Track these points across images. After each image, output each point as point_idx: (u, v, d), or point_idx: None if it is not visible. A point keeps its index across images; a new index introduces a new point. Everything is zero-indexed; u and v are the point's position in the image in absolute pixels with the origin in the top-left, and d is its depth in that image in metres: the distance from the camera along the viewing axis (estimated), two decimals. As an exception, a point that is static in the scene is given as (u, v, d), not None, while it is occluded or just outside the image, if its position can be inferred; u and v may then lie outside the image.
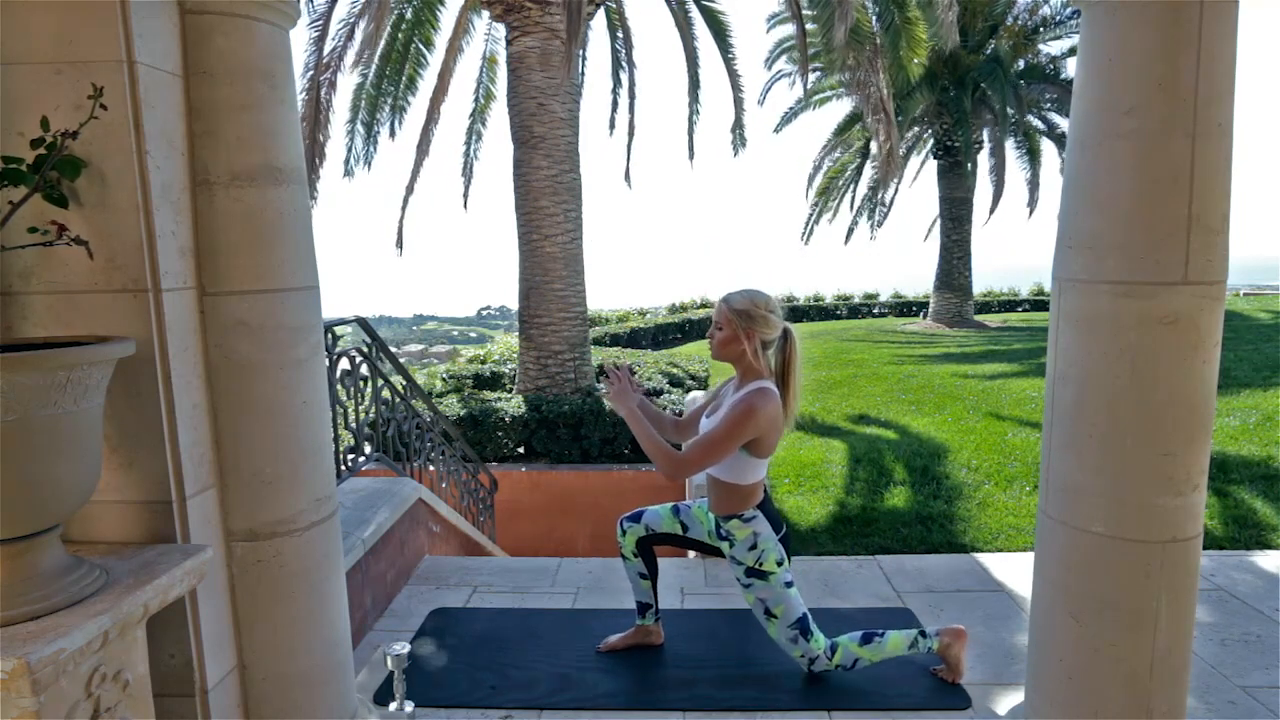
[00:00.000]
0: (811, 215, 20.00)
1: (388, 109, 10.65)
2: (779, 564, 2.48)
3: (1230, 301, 17.31)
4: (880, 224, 19.80)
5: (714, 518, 2.58)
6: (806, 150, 20.62)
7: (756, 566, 2.47)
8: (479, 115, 11.59)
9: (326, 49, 8.58)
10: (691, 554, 4.19)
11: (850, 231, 20.28)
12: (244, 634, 1.98)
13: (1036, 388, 8.57)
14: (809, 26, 8.69)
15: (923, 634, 2.57)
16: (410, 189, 9.71)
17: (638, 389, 2.54)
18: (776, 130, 18.58)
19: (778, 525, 2.52)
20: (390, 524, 3.42)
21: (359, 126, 10.69)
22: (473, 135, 11.61)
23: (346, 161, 10.84)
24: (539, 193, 8.24)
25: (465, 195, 12.01)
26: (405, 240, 10.75)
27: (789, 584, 2.50)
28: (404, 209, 10.18)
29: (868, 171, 18.33)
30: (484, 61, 11.34)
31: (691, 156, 12.39)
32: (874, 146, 9.99)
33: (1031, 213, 18.34)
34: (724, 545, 2.56)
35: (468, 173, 11.86)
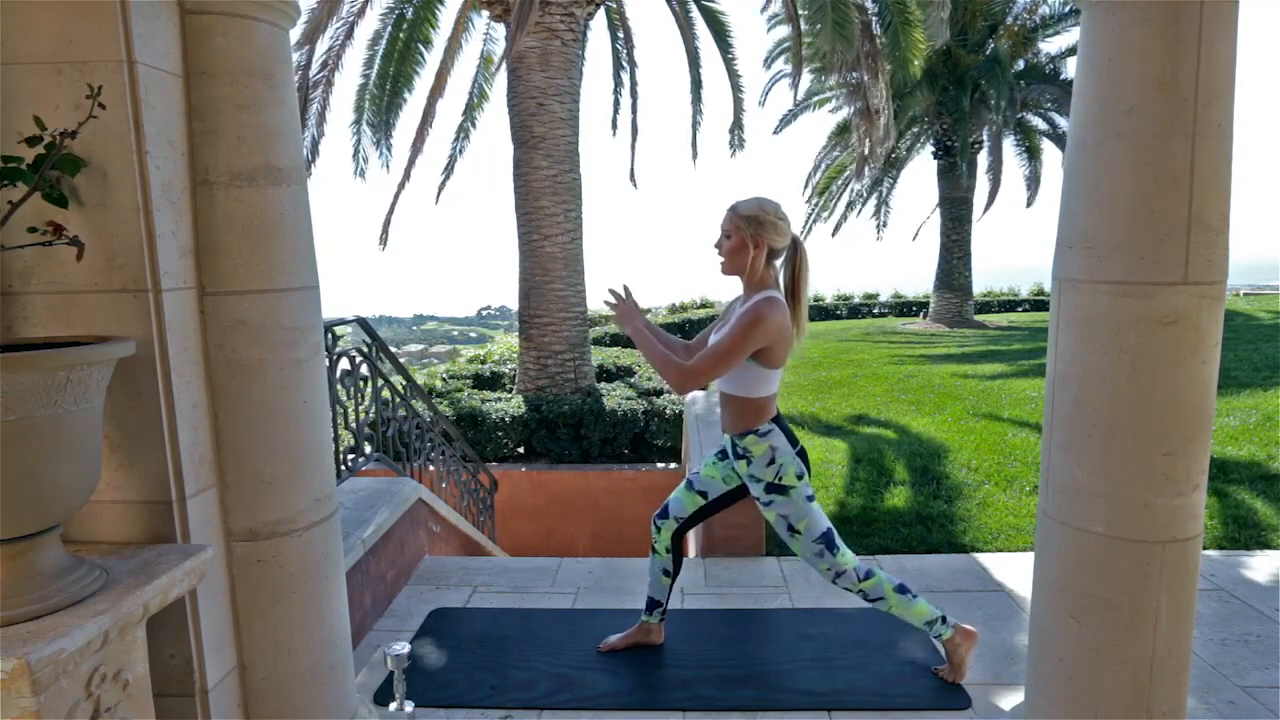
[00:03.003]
0: (810, 215, 20.02)
1: (387, 108, 10.65)
2: (799, 477, 2.44)
3: (1230, 301, 17.31)
4: (885, 224, 19.81)
5: (729, 439, 2.53)
6: (808, 151, 20.64)
7: (776, 481, 2.43)
8: (469, 114, 11.53)
9: (325, 47, 8.58)
10: (692, 553, 4.19)
11: (838, 227, 20.28)
12: (244, 634, 1.98)
13: (1036, 388, 8.57)
14: (804, 27, 8.69)
15: (943, 619, 2.56)
16: (401, 186, 9.68)
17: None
18: (776, 132, 18.59)
19: (793, 440, 2.47)
20: (390, 524, 3.42)
21: (364, 127, 10.69)
22: (460, 133, 11.53)
23: (356, 158, 10.82)
24: (539, 193, 8.24)
25: (440, 189, 11.80)
26: (398, 238, 10.69)
27: (810, 498, 2.46)
28: (393, 206, 10.13)
29: (867, 171, 18.34)
30: (481, 61, 11.33)
31: (695, 157, 12.38)
32: (864, 147, 9.99)
33: (1028, 204, 18.35)
34: (741, 465, 2.51)
35: (449, 169, 11.73)
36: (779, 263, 2.44)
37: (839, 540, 2.49)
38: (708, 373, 2.31)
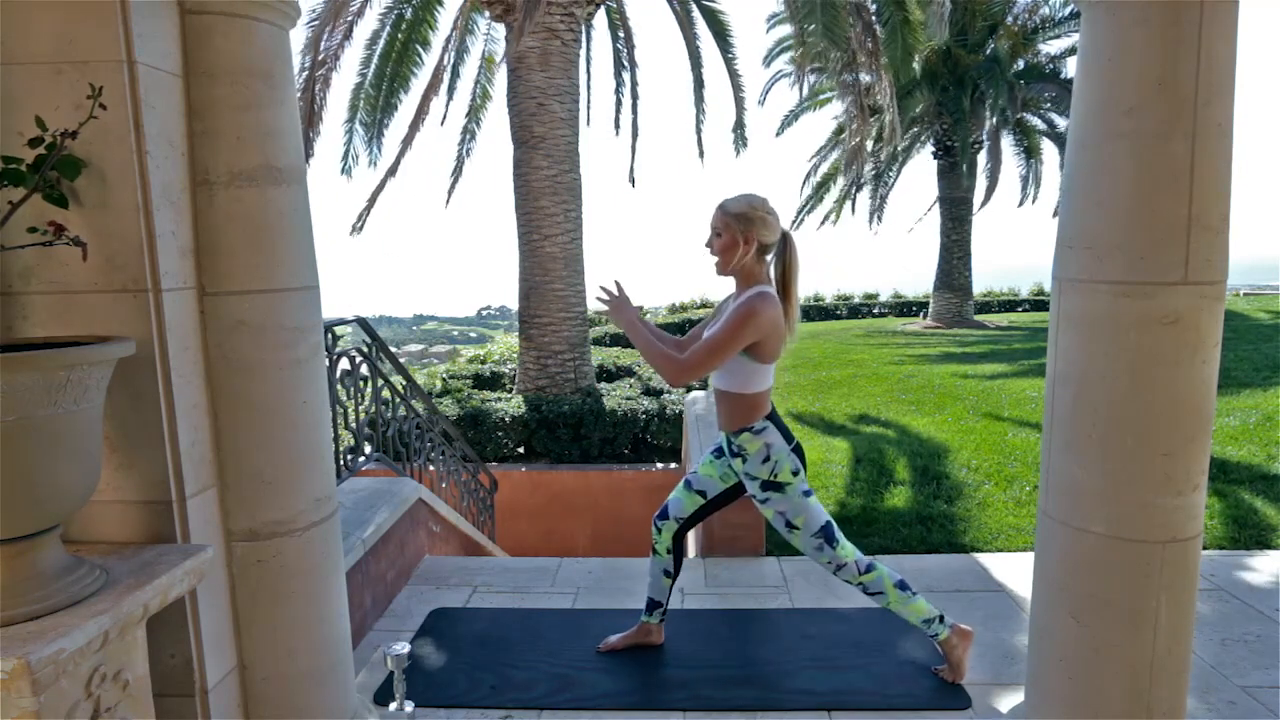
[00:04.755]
0: (803, 208, 20.04)
1: (386, 108, 10.65)
2: (794, 474, 2.44)
3: (1230, 301, 17.30)
4: (881, 221, 19.81)
5: (724, 436, 2.54)
6: (808, 151, 20.64)
7: (772, 479, 2.43)
8: (473, 115, 11.56)
9: (322, 46, 8.57)
10: (692, 553, 4.19)
11: (826, 217, 20.27)
12: (244, 634, 1.98)
13: (1036, 388, 8.57)
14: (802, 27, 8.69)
15: (940, 619, 2.56)
16: (383, 184, 9.66)
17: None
18: (779, 134, 18.60)
19: (788, 437, 2.48)
20: (390, 524, 3.42)
21: (358, 126, 10.69)
22: (466, 134, 11.57)
23: (344, 158, 10.82)
24: (539, 193, 8.24)
25: (450, 192, 11.89)
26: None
27: (807, 493, 2.46)
28: (373, 199, 10.10)
29: (867, 169, 18.35)
30: (482, 61, 11.33)
31: (701, 156, 12.39)
32: (857, 145, 10.00)
33: (1025, 203, 18.34)
34: (737, 462, 2.51)
35: (458, 171, 11.79)
36: (770, 257, 2.44)
37: (838, 533, 2.49)
38: (700, 366, 2.32)
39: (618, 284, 2.55)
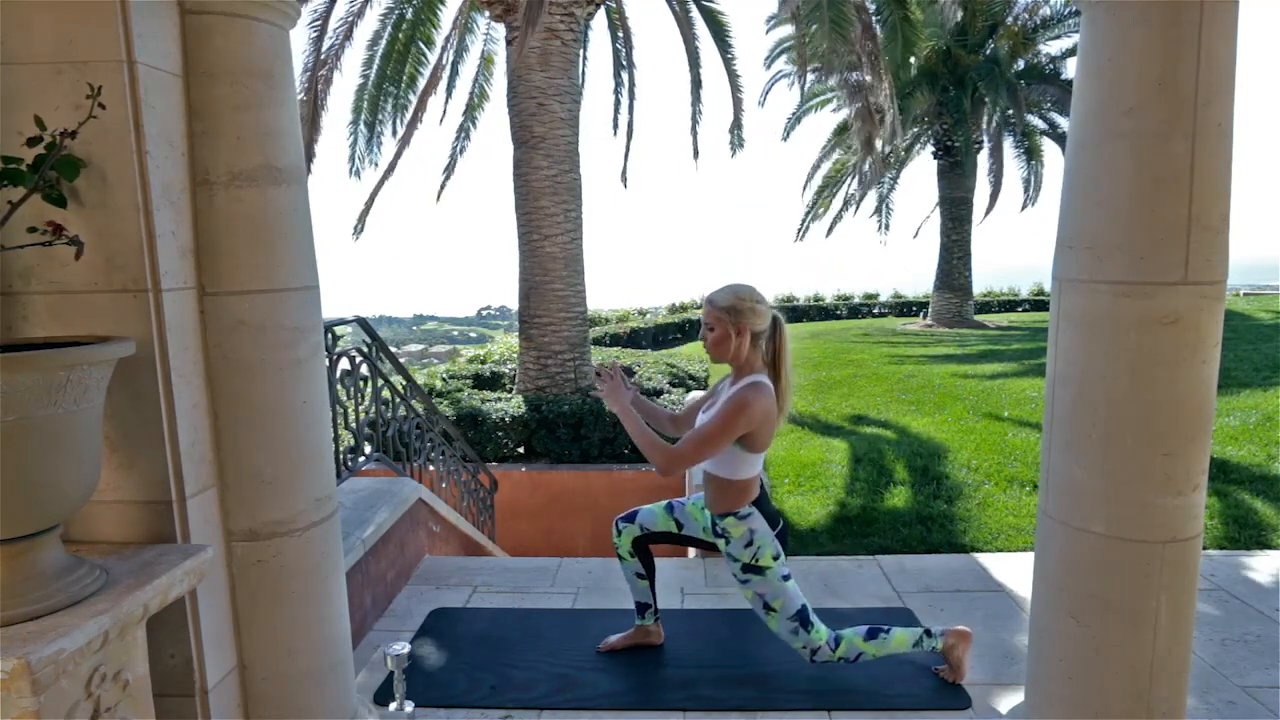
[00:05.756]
0: (808, 214, 20.03)
1: (389, 108, 10.65)
2: (775, 558, 2.48)
3: (1230, 301, 17.31)
4: (887, 227, 19.81)
5: (709, 515, 2.58)
6: (808, 150, 20.66)
7: (753, 563, 2.47)
8: (469, 114, 11.52)
9: (324, 46, 8.57)
10: (692, 553, 4.19)
11: (832, 226, 20.29)
12: (244, 634, 1.98)
13: (1036, 388, 8.57)
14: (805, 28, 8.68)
15: (928, 633, 2.57)
16: (383, 181, 9.62)
17: (631, 388, 2.55)
18: (784, 138, 18.60)
19: (774, 520, 2.51)
20: (390, 524, 3.42)
21: (361, 127, 10.69)
22: (461, 133, 11.53)
23: (353, 158, 10.82)
24: (539, 193, 8.24)
25: (441, 189, 11.75)
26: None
27: (786, 577, 2.49)
28: (372, 199, 10.04)
29: (867, 170, 18.35)
30: (481, 61, 11.32)
31: (696, 156, 12.38)
32: (863, 146, 9.98)
33: (1026, 206, 18.34)
34: (720, 542, 2.56)
35: (450, 169, 11.71)
36: (761, 340, 2.47)
37: (813, 616, 2.52)
38: (691, 458, 2.35)
39: (618, 367, 2.58)
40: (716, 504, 2.52)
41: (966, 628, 2.64)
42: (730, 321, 2.40)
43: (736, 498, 2.48)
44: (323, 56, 8.59)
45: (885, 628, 2.56)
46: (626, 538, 2.78)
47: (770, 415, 2.37)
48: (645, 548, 2.80)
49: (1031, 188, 18.24)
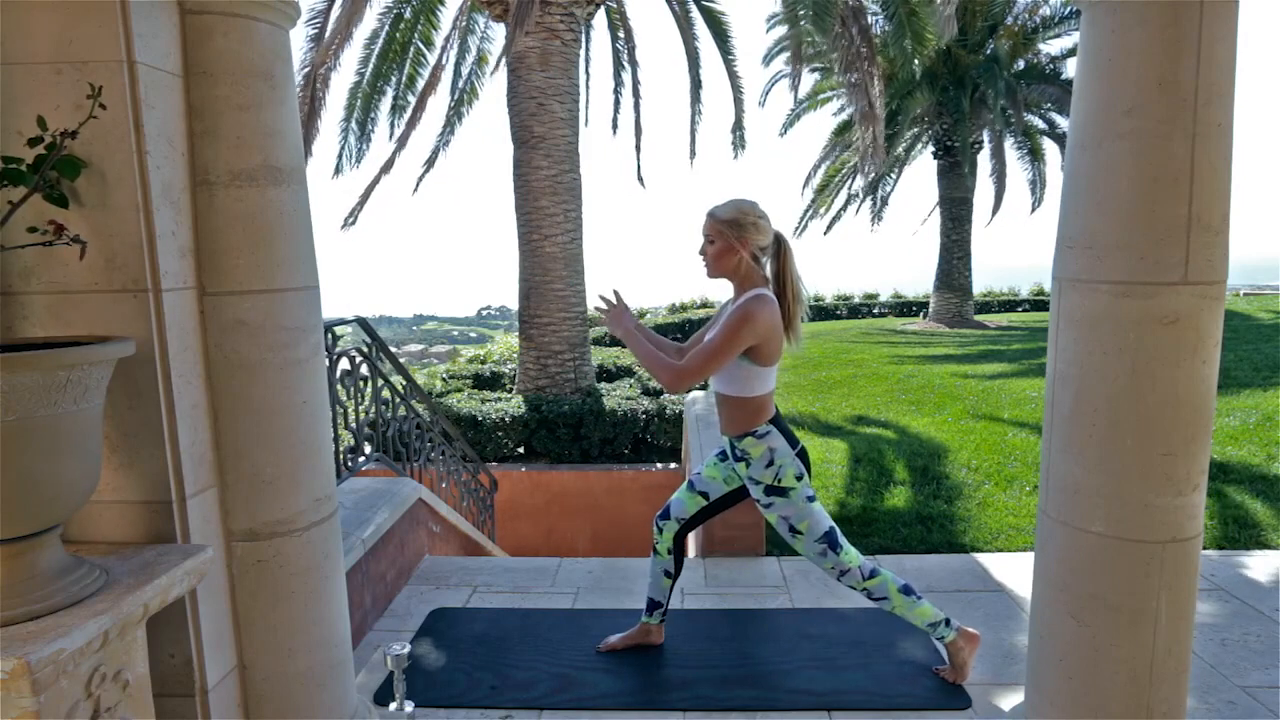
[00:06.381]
0: (807, 211, 20.02)
1: (387, 108, 10.65)
2: (798, 479, 2.44)
3: (1230, 301, 17.30)
4: (881, 220, 19.79)
5: (727, 440, 2.52)
6: (807, 150, 20.67)
7: (775, 483, 2.42)
8: (455, 110, 11.43)
9: (324, 45, 8.57)
10: (692, 553, 4.19)
11: (832, 224, 20.26)
12: (244, 634, 1.98)
13: (1036, 388, 8.57)
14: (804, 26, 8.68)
15: (946, 622, 2.56)
16: (377, 180, 9.61)
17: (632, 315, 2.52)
18: (782, 134, 18.57)
19: (793, 441, 2.47)
20: (390, 524, 3.42)
21: (353, 125, 10.69)
22: (446, 127, 11.44)
23: (343, 156, 10.83)
24: (539, 193, 8.24)
25: (419, 180, 11.49)
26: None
27: (811, 498, 2.46)
28: (366, 195, 10.01)
29: (869, 169, 18.35)
30: (475, 59, 11.29)
31: (693, 156, 12.35)
32: (862, 140, 9.97)
33: (1034, 210, 18.35)
34: (740, 466, 2.51)
35: (430, 160, 11.54)
36: (765, 260, 2.44)
37: (842, 539, 2.49)
38: (699, 372, 2.31)
39: (616, 293, 2.56)
40: (733, 424, 2.46)
41: (976, 631, 2.64)
42: (732, 235, 2.35)
43: (753, 416, 2.43)
44: (322, 55, 8.59)
45: (918, 594, 2.54)
46: (668, 535, 2.75)
47: (776, 326, 2.32)
48: (681, 544, 2.78)
49: (1038, 189, 18.22)
